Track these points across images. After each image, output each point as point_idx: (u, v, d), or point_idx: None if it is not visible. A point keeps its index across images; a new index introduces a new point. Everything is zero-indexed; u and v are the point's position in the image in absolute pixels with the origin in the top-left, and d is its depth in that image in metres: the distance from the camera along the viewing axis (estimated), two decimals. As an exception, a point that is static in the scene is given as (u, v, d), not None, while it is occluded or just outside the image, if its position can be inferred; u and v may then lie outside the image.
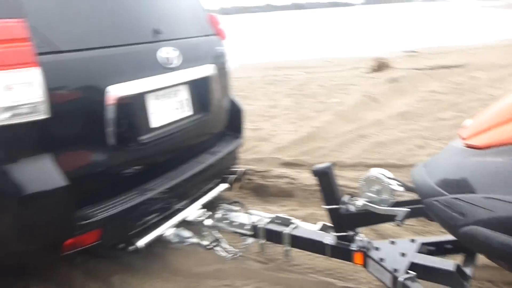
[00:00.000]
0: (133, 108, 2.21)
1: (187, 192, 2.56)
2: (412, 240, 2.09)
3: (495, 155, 1.53)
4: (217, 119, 2.90)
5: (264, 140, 4.84)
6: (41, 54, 1.81)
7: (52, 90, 1.83)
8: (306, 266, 2.39)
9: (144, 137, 2.27)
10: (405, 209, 1.88)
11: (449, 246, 2.08)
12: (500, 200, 1.45)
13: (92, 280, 2.33)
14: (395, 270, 1.87)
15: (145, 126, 2.29)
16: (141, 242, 2.25)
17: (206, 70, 2.71)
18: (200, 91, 2.67)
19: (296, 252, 2.35)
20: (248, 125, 5.46)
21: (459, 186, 1.58)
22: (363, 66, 9.53)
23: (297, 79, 9.01)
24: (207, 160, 2.71)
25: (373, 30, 24.35)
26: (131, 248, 2.23)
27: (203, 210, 2.57)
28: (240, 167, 3.07)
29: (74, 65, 1.96)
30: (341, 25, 31.31)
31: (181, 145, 2.59)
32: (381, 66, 9.02)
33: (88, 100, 2.01)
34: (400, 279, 1.82)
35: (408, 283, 1.81)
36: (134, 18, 2.34)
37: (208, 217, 2.50)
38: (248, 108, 6.52)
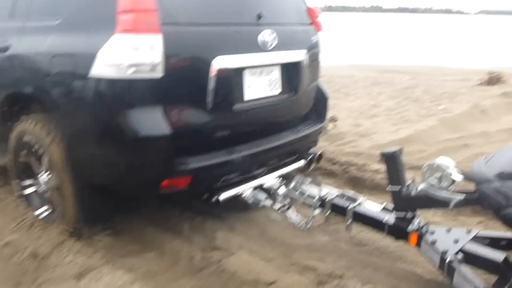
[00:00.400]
0: (232, 80, 2.55)
1: (266, 161, 2.87)
2: (469, 231, 2.21)
3: None
4: (302, 102, 3.16)
5: (364, 137, 4.97)
6: (164, 24, 2.21)
7: (168, 55, 2.23)
8: (397, 254, 2.58)
9: (237, 107, 2.61)
10: (460, 197, 2.02)
11: (504, 242, 2.17)
12: None
13: (198, 233, 2.77)
14: (444, 252, 2.02)
15: (239, 97, 2.63)
16: (222, 196, 2.60)
17: (299, 55, 2.99)
18: (290, 73, 2.95)
19: (390, 242, 2.56)
20: (348, 121, 5.69)
21: (511, 176, 1.71)
22: (474, 78, 9.22)
23: (402, 83, 8.96)
24: (288, 136, 3.00)
25: (486, 41, 22.95)
26: (213, 199, 2.59)
27: (279, 179, 2.87)
28: (318, 150, 3.31)
29: (189, 37, 2.35)
30: (452, 33, 29.84)
31: (267, 119, 2.90)
32: (493, 79, 8.67)
33: (195, 68, 2.39)
34: (447, 259, 1.98)
35: (455, 264, 1.96)
36: (242, 2, 2.69)
37: (282, 186, 2.79)
38: (349, 104, 6.73)
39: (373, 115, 6.15)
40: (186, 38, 2.34)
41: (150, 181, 2.38)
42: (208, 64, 2.40)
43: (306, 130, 3.19)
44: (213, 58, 2.41)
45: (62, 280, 2.32)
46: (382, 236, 2.50)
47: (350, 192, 2.66)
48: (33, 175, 2.86)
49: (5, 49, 2.74)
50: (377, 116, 6.07)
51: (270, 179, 2.86)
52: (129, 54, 2.17)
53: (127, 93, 2.23)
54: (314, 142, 3.38)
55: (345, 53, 15.75)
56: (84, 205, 2.56)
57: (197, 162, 2.42)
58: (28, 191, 2.92)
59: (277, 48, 2.77)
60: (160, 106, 2.27)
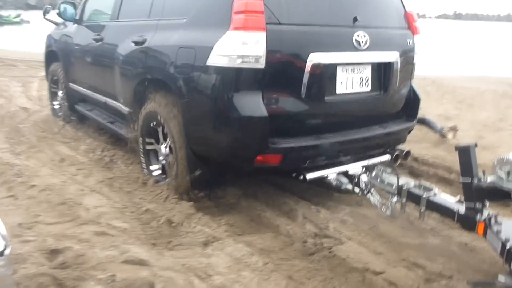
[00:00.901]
0: (325, 74, 2.90)
1: (352, 151, 3.16)
2: None
3: None
4: (393, 100, 3.39)
5: (485, 149, 4.63)
6: (268, 23, 2.64)
7: (270, 49, 2.65)
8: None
9: (329, 99, 2.95)
10: None
11: None
12: None
13: (312, 221, 3.00)
14: (507, 240, 2.17)
15: (331, 90, 2.97)
16: (309, 176, 2.95)
17: (391, 56, 3.23)
18: (380, 72, 3.21)
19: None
20: (470, 132, 5.55)
21: None
22: None
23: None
24: (375, 131, 3.27)
25: None
26: (301, 177, 2.95)
27: (362, 168, 3.14)
28: (405, 148, 3.49)
29: (288, 35, 2.76)
30: None
31: (356, 112, 3.20)
32: None
33: (293, 61, 2.79)
34: (507, 247, 2.12)
35: None
36: (341, 6, 3.03)
37: (365, 173, 3.06)
38: (473, 117, 6.50)
39: (498, 129, 5.84)
40: (286, 36, 2.75)
41: (246, 154, 2.82)
42: (304, 59, 2.77)
43: (394, 127, 3.42)
44: (309, 54, 2.78)
45: (191, 245, 2.65)
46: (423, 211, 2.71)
47: (427, 183, 2.84)
48: (156, 139, 3.48)
49: (142, 42, 3.39)
50: (503, 130, 5.75)
51: (355, 167, 3.15)
52: (238, 47, 2.63)
53: (234, 79, 2.69)
54: (402, 139, 3.57)
55: (472, 64, 15.04)
56: (192, 171, 3.08)
57: (288, 143, 2.82)
58: (149, 147, 3.55)
59: (369, 48, 3.05)
60: (260, 93, 2.71)
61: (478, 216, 2.41)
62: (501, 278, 2.14)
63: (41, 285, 2.07)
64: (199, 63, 2.82)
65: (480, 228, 2.39)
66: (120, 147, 4.35)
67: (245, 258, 2.52)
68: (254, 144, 2.77)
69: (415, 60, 3.57)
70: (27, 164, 3.89)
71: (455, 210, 2.52)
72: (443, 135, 4.99)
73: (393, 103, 3.45)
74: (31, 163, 3.94)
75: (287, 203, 3.24)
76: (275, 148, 2.77)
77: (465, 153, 2.45)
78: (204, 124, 2.91)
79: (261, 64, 2.66)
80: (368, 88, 3.19)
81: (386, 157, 3.38)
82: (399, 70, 3.32)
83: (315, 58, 2.79)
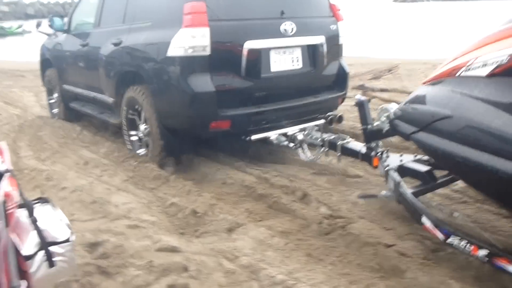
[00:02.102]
0: (260, 56, 3.74)
1: (290, 116, 4.00)
2: (415, 155, 3.14)
3: (429, 85, 2.60)
4: (322, 75, 4.24)
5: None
6: (210, 20, 3.48)
7: (213, 40, 3.49)
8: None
9: (264, 75, 3.79)
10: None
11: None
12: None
13: (325, 205, 3.20)
14: (387, 165, 3.00)
15: (266, 69, 3.80)
16: (254, 137, 3.79)
17: (316, 39, 4.07)
18: (309, 52, 4.05)
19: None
20: None
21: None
22: None
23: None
24: (307, 99, 4.11)
25: None
26: (247, 139, 3.80)
27: (299, 130, 3.97)
28: (337, 113, 4.28)
29: (227, 28, 3.60)
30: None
31: (290, 86, 4.04)
32: None
33: (233, 48, 3.63)
34: (386, 169, 2.95)
35: (390, 172, 2.91)
36: (270, 3, 3.87)
37: (299, 132, 3.90)
38: None
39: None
40: (225, 29, 3.59)
41: (202, 122, 3.66)
42: (241, 46, 3.62)
43: (324, 96, 4.26)
44: (245, 42, 3.62)
45: (217, 232, 2.91)
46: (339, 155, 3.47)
47: (343, 135, 3.68)
48: (136, 127, 4.32)
49: (119, 43, 4.23)
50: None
51: (293, 130, 3.98)
52: (189, 40, 3.48)
53: (188, 65, 3.54)
54: (334, 106, 4.42)
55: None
56: (165, 142, 3.93)
57: (234, 111, 3.67)
58: (133, 138, 4.38)
59: (296, 34, 3.90)
60: (208, 73, 3.55)
61: (373, 153, 3.23)
62: (382, 192, 2.98)
63: (87, 273, 2.37)
64: (161, 55, 3.66)
65: (375, 161, 3.21)
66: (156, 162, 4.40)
67: (267, 240, 2.78)
68: (207, 113, 3.61)
69: (341, 42, 4.41)
70: (54, 169, 4.20)
71: (359, 151, 3.36)
72: None
73: (323, 77, 4.29)
74: (57, 168, 4.26)
75: (301, 189, 3.46)
76: (224, 116, 3.62)
77: (362, 106, 3.29)
78: (168, 102, 3.76)
79: (207, 52, 3.50)
80: (300, 66, 4.03)
81: (320, 121, 4.20)
82: (325, 50, 4.16)
83: (249, 45, 3.63)
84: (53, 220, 1.85)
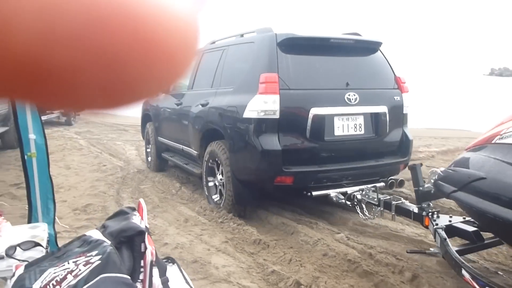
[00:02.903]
0: (324, 121, 4.20)
1: (350, 176, 4.35)
2: (464, 218, 3.34)
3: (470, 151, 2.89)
4: (384, 141, 4.57)
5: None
6: (281, 89, 4.05)
7: (282, 106, 4.04)
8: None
9: (328, 138, 4.23)
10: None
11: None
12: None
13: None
14: (436, 225, 3.23)
15: (330, 133, 4.25)
16: (314, 193, 4.19)
17: (379, 108, 4.46)
18: (372, 120, 4.44)
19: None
20: None
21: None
22: None
23: None
24: (370, 163, 4.45)
25: None
26: (309, 194, 4.20)
27: (358, 190, 4.30)
28: (398, 177, 4.56)
29: (296, 96, 4.13)
30: None
31: (352, 149, 4.42)
32: None
33: (299, 113, 4.14)
34: (435, 228, 3.19)
35: (438, 231, 3.15)
36: (336, 75, 4.37)
37: (357, 192, 4.22)
38: None
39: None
40: (294, 97, 4.13)
41: (268, 176, 4.15)
42: (307, 112, 4.12)
43: (386, 161, 4.57)
44: (311, 108, 4.12)
45: None
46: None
47: (398, 196, 3.94)
48: (214, 175, 4.92)
49: (206, 104, 4.95)
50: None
51: (353, 189, 4.31)
52: (262, 105, 4.06)
53: (259, 126, 4.10)
54: (395, 171, 4.69)
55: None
56: (235, 192, 4.46)
57: (297, 168, 4.11)
58: (210, 184, 4.98)
59: (359, 103, 4.33)
60: (276, 134, 4.07)
61: (424, 213, 3.47)
62: (430, 249, 3.20)
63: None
64: (238, 116, 4.27)
65: (426, 220, 3.44)
66: (227, 209, 4.70)
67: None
68: (273, 169, 4.10)
69: (406, 111, 4.75)
70: (155, 223, 4.42)
71: (412, 210, 3.60)
72: None
73: (385, 143, 4.62)
74: (158, 222, 4.48)
75: (410, 269, 3.35)
76: (287, 172, 4.08)
77: (414, 170, 3.58)
78: (242, 157, 4.32)
79: (277, 116, 4.04)
80: (362, 132, 4.42)
81: (380, 184, 4.50)
82: (388, 119, 4.52)
83: (314, 111, 4.12)
84: (181, 282, 1.85)
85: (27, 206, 3.28)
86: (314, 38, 4.47)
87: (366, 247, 3.77)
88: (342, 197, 4.24)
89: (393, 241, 4.05)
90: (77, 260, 1.54)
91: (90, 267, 1.47)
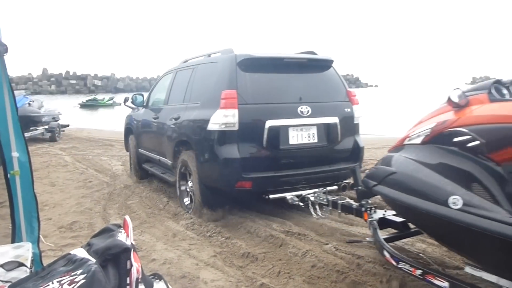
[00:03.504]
0: (279, 132, 4.72)
1: (305, 181, 4.86)
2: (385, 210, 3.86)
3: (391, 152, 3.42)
4: (335, 148, 5.09)
5: None
6: (239, 104, 4.58)
7: (241, 119, 4.56)
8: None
9: (283, 147, 4.74)
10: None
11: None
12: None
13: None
14: (372, 217, 3.74)
15: (285, 142, 4.76)
16: (272, 196, 4.70)
17: (330, 119, 4.99)
18: (324, 130, 4.97)
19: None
20: None
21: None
22: None
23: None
24: (323, 168, 4.97)
25: None
26: (267, 197, 4.71)
27: (311, 193, 4.81)
28: (351, 181, 5.01)
29: (252, 110, 4.66)
30: None
31: (306, 156, 4.93)
32: None
33: (256, 125, 4.65)
34: (369, 220, 3.71)
35: (373, 222, 3.66)
36: (290, 90, 4.90)
37: (311, 195, 4.73)
38: None
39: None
40: (251, 110, 4.65)
41: (230, 182, 4.65)
42: (264, 124, 4.64)
43: (338, 166, 5.09)
44: (267, 120, 4.65)
45: None
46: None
47: (344, 197, 4.44)
48: (186, 181, 5.42)
49: (178, 118, 5.47)
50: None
51: (307, 192, 4.81)
52: (223, 118, 4.58)
53: (221, 137, 4.61)
54: (347, 176, 5.20)
55: None
56: (203, 197, 4.96)
57: (255, 174, 4.62)
58: (182, 188, 5.49)
59: (312, 115, 4.85)
60: (236, 144, 4.59)
61: (363, 209, 3.95)
62: (366, 238, 3.71)
63: None
64: (204, 128, 4.79)
65: (365, 215, 3.89)
66: (214, 223, 4.90)
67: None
68: (233, 175, 4.61)
69: (356, 122, 5.29)
70: (142, 239, 4.45)
71: (354, 207, 4.08)
72: None
73: (337, 150, 5.14)
74: (146, 238, 4.51)
75: (398, 278, 3.40)
76: (247, 177, 4.59)
77: (353, 173, 4.10)
78: (207, 165, 4.83)
79: (236, 128, 4.56)
80: (315, 140, 4.94)
81: (333, 187, 5.01)
82: (339, 128, 5.05)
83: (270, 123, 4.65)
84: None
85: (10, 225, 3.22)
86: (270, 58, 5.02)
87: (354, 257, 3.82)
88: (296, 199, 4.74)
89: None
90: (62, 280, 1.53)
91: (74, 286, 1.48)
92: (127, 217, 1.86)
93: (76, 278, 1.50)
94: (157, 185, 6.93)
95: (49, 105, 16.88)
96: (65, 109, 23.80)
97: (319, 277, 3.53)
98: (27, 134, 10.95)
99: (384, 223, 3.73)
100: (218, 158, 4.63)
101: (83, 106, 37.15)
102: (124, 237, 1.71)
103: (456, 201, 2.61)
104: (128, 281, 1.57)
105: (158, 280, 1.94)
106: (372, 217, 3.76)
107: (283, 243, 4.24)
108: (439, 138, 2.93)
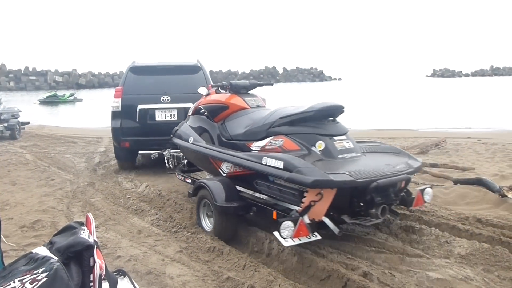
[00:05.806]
0: (147, 113, 7.62)
1: (165, 144, 7.75)
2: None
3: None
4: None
5: None
6: (123, 95, 7.57)
7: (123, 103, 7.58)
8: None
9: (151, 122, 7.65)
10: None
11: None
12: None
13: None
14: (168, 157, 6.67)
15: (152, 118, 7.66)
16: (140, 152, 7.66)
17: (187, 105, 7.77)
18: (183, 112, 7.74)
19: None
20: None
21: None
22: None
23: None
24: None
25: None
26: (139, 153, 7.68)
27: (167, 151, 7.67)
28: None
29: (130, 98, 7.66)
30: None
31: (168, 129, 7.55)
32: None
33: (132, 108, 7.62)
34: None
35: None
36: (159, 86, 7.80)
37: (166, 152, 7.61)
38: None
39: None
40: (130, 99, 7.63)
41: (117, 141, 7.75)
42: (136, 107, 7.60)
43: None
44: (139, 105, 7.56)
45: None
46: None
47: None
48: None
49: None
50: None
51: (168, 150, 7.65)
52: (113, 103, 7.55)
53: (113, 115, 7.73)
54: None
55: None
56: (115, 152, 7.94)
57: (130, 137, 7.64)
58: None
59: (172, 102, 7.73)
60: (120, 119, 7.61)
61: (168, 154, 6.96)
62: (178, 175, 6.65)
63: None
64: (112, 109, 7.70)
65: (168, 161, 6.89)
66: (181, 217, 4.94)
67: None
68: (118, 138, 7.62)
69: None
70: (107, 236, 4.33)
71: (175, 156, 7.06)
72: (502, 195, 4.96)
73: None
74: (111, 235, 4.38)
75: (360, 267, 3.39)
76: (125, 140, 7.57)
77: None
78: (112, 131, 7.80)
79: (120, 109, 7.51)
80: (176, 118, 7.76)
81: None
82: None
83: (140, 106, 7.57)
84: None
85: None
86: (148, 66, 8.00)
87: (319, 248, 3.81)
88: (156, 155, 7.60)
89: (345, 241, 4.01)
90: (23, 279, 1.50)
91: (36, 284, 1.46)
92: (90, 214, 1.83)
93: (38, 276, 1.47)
94: (121, 182, 7.18)
95: (8, 102, 16.94)
96: (25, 106, 23.71)
97: (284, 269, 3.65)
98: (-16, 133, 12.04)
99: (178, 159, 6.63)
100: (113, 128, 7.64)
101: (43, 102, 35.55)
102: (86, 234, 1.69)
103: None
104: (91, 278, 1.55)
105: (122, 277, 1.91)
106: (169, 156, 6.69)
107: (248, 235, 4.27)
108: (196, 111, 5.87)
